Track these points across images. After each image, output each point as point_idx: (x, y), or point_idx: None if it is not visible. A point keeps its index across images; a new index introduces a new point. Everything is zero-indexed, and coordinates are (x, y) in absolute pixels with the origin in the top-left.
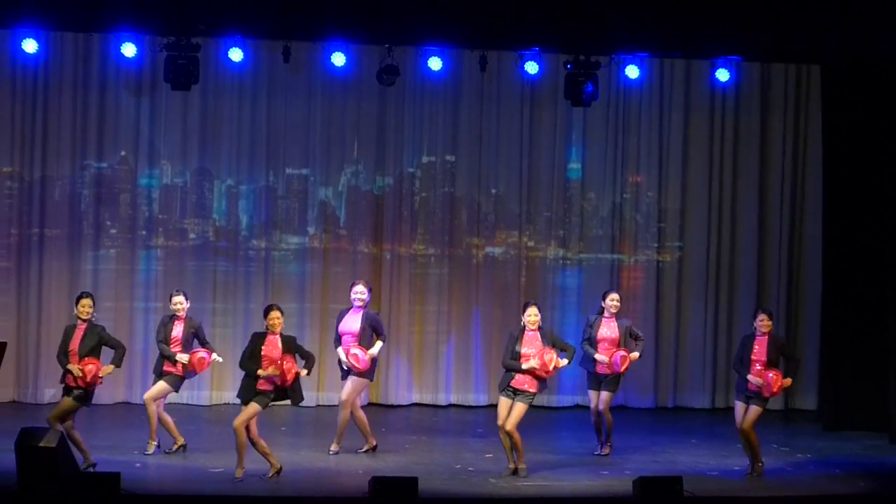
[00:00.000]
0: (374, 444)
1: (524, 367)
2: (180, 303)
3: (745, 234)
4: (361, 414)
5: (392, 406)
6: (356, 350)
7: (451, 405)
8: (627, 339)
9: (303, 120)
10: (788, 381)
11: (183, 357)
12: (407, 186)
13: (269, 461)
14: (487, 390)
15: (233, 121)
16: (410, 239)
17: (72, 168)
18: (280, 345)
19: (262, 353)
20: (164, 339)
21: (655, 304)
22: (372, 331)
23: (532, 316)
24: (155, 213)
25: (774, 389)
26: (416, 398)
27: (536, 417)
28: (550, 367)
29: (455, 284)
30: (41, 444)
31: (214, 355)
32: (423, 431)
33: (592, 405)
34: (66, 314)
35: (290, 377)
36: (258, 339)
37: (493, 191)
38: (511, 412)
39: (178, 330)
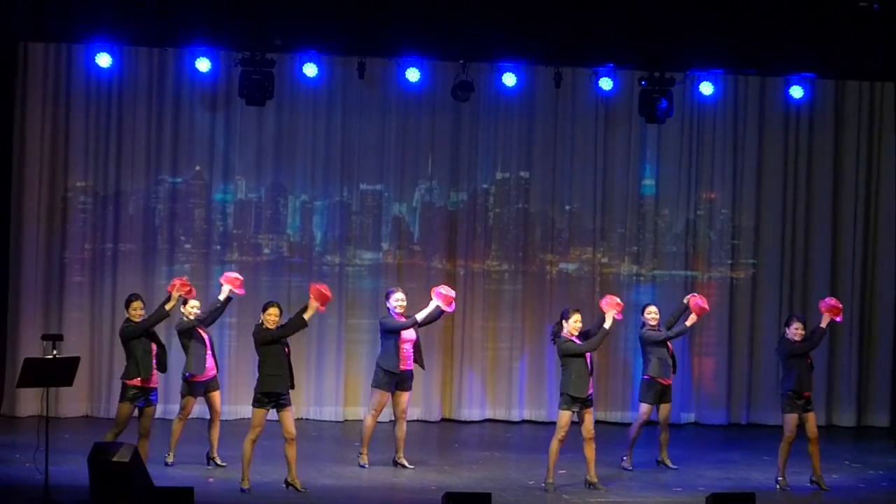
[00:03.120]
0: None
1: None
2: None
3: (819, 251)
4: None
5: (465, 422)
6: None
7: (523, 421)
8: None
9: (377, 136)
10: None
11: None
12: (481, 202)
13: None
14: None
15: (307, 136)
16: (484, 255)
17: (146, 183)
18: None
19: None
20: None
21: (729, 321)
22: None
23: (576, 322)
24: (229, 228)
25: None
26: (488, 414)
27: (601, 432)
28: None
29: (528, 300)
30: (114, 459)
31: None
32: (495, 447)
33: (661, 417)
34: None
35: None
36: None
37: (567, 207)
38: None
39: None
